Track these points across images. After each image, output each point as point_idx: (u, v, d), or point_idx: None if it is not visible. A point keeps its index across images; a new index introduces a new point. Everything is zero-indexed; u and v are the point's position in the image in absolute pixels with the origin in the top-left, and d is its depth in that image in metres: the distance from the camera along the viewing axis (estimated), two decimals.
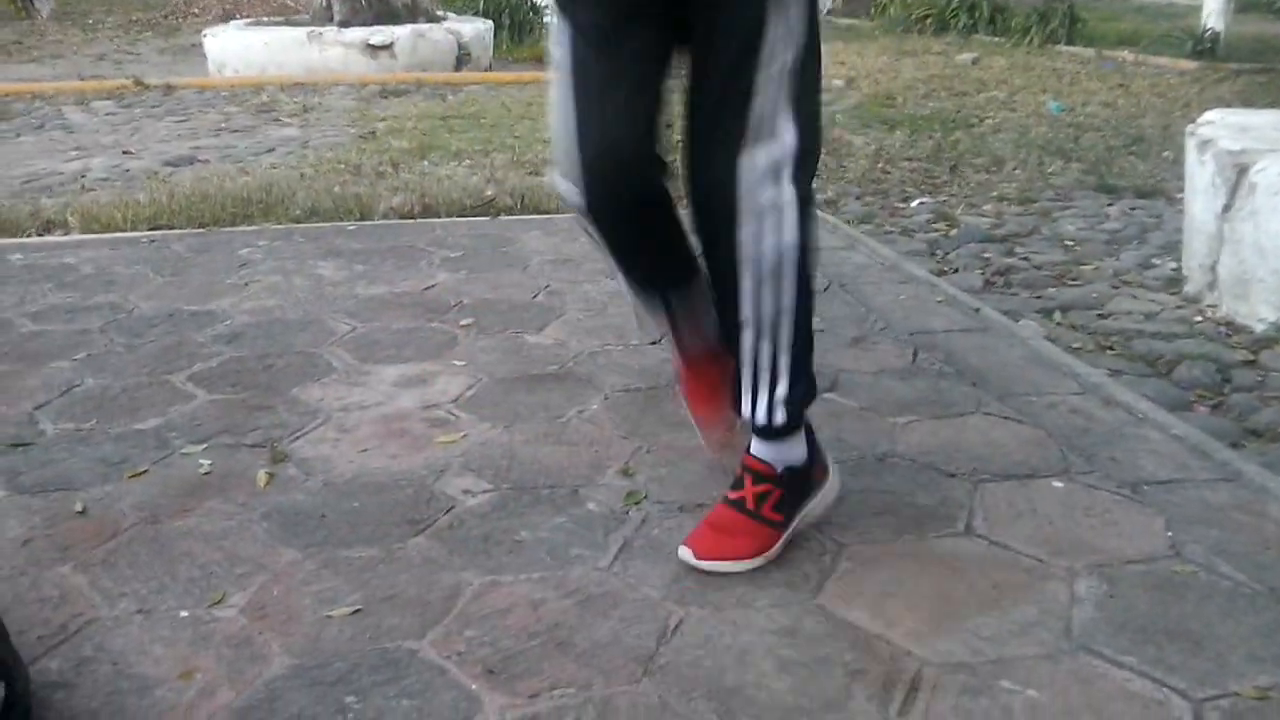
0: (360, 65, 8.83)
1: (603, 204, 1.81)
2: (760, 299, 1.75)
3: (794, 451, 1.86)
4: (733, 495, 1.85)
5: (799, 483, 1.87)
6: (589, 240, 1.96)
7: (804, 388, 1.83)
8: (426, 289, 3.29)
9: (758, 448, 1.86)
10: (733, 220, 1.71)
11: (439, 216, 4.24)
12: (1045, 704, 1.49)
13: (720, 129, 1.73)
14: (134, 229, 4.02)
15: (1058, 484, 2.10)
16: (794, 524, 1.86)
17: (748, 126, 1.70)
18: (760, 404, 1.81)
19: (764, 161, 1.70)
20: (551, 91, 1.80)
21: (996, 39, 11.46)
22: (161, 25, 13.69)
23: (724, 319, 1.87)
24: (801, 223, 1.73)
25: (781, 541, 1.83)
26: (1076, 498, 2.05)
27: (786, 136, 1.70)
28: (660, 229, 1.90)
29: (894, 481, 2.10)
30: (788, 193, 1.71)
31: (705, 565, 1.78)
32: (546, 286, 3.30)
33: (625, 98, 1.76)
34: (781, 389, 1.80)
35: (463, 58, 9.24)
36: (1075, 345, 3.02)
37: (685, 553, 1.79)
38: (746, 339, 1.79)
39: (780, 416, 1.81)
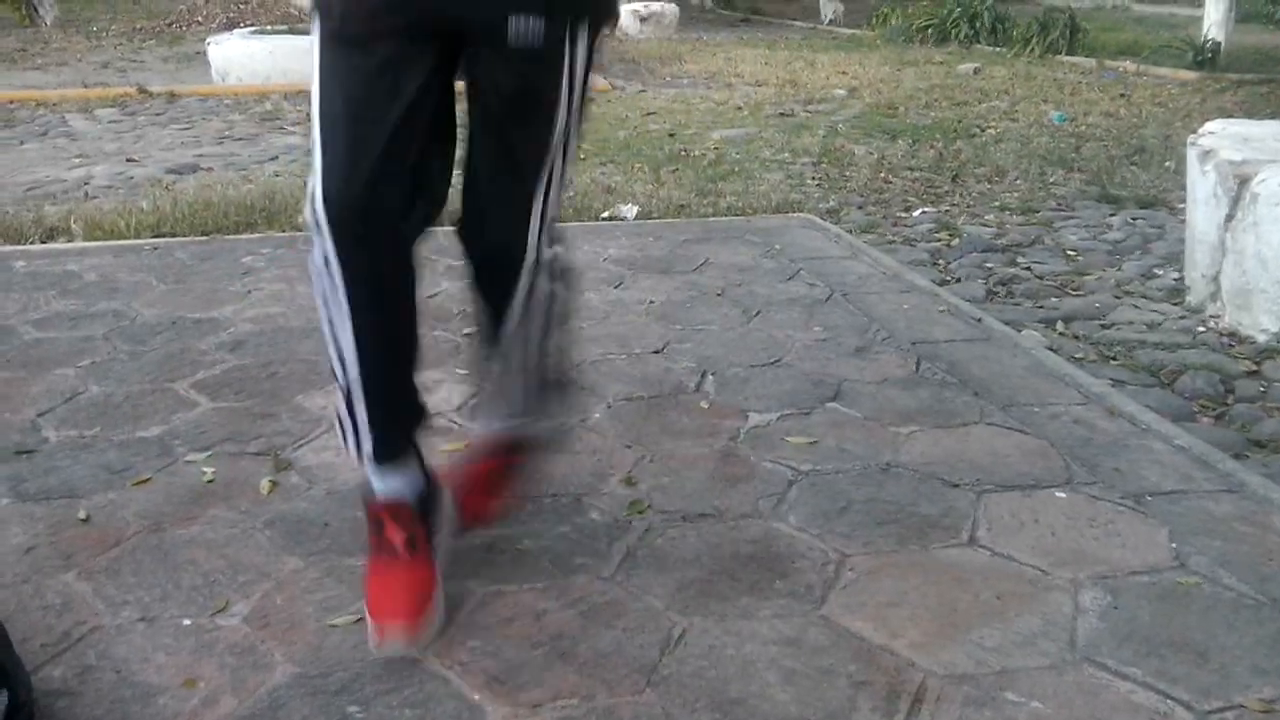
0: None
1: (349, 244, 1.54)
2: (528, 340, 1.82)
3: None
4: (479, 465, 1.96)
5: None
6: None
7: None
8: (430, 297, 3.28)
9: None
10: (512, 281, 1.73)
11: (443, 225, 4.23)
12: (1049, 715, 1.49)
13: (511, 191, 1.69)
14: (137, 236, 4.03)
15: (1061, 495, 2.10)
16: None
17: (535, 194, 1.68)
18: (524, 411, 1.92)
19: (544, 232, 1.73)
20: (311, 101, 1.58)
21: (998, 49, 11.48)
22: (165, 33, 13.70)
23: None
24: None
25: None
26: (1080, 508, 2.05)
27: (553, 209, 1.73)
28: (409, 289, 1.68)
29: (897, 492, 2.10)
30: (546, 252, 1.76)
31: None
32: None
33: (382, 119, 1.51)
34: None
35: None
36: (1078, 355, 3.02)
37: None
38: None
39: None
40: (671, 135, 6.46)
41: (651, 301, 3.22)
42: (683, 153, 5.90)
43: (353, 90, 1.51)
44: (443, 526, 1.79)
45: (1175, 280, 3.71)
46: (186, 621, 1.69)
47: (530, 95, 1.58)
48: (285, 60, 8.84)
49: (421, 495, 1.73)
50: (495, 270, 1.75)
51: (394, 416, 1.71)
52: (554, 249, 1.78)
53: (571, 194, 4.41)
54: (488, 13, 1.50)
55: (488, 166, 1.67)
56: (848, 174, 5.46)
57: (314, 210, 1.52)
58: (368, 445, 1.67)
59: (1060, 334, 3.24)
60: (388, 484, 1.70)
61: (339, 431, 1.70)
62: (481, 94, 1.60)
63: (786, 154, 5.92)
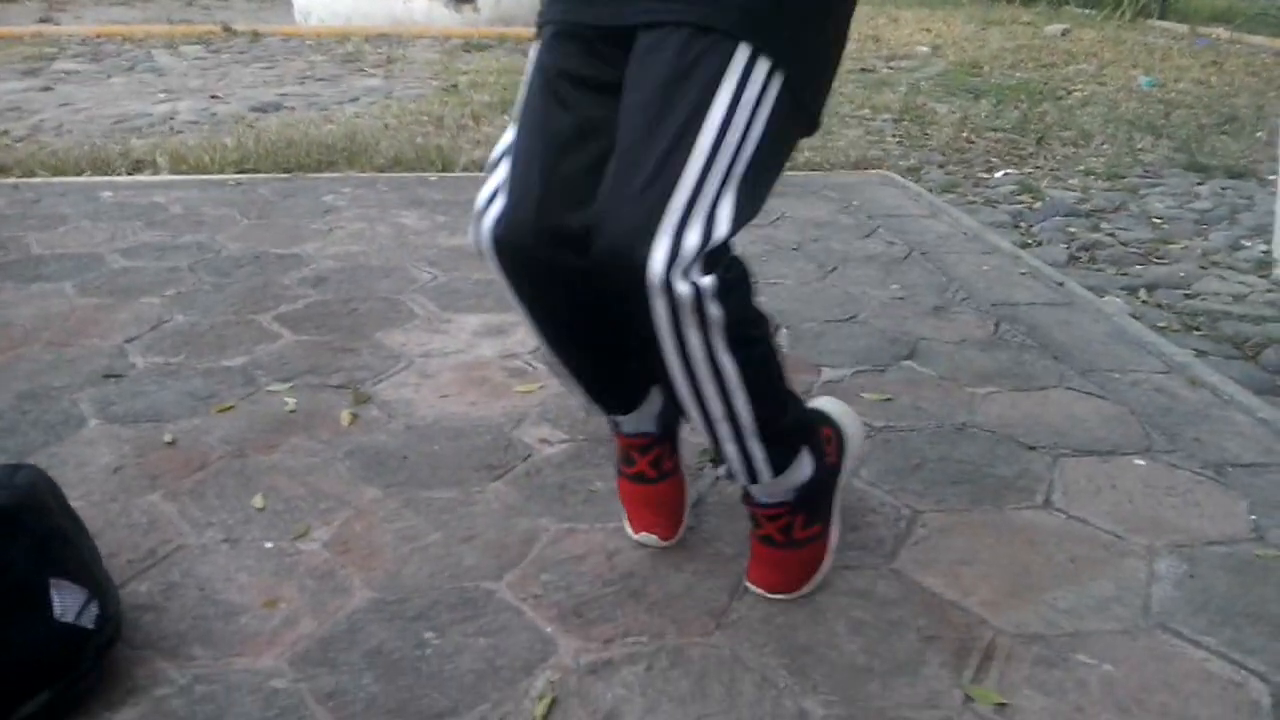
0: (444, 19, 8.85)
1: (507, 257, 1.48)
2: (704, 401, 1.45)
3: (794, 476, 1.59)
4: (759, 532, 1.65)
5: (815, 490, 1.64)
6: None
7: (786, 441, 1.56)
8: None
9: (754, 491, 1.61)
10: (644, 302, 1.34)
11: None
12: (1121, 679, 1.48)
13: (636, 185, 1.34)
14: (221, 171, 4.09)
15: (1139, 462, 2.07)
16: (835, 511, 1.71)
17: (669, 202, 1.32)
18: (741, 476, 1.56)
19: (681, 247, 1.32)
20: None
21: (1087, 11, 11.20)
22: None
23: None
24: (729, 328, 1.37)
25: (834, 538, 1.69)
26: (1158, 476, 2.02)
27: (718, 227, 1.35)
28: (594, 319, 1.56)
29: (972, 452, 2.09)
30: (706, 285, 1.33)
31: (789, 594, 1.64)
32: None
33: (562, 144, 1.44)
34: (760, 459, 1.52)
35: None
36: (1161, 324, 2.97)
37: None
38: (707, 428, 1.49)
39: (767, 475, 1.55)
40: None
41: None
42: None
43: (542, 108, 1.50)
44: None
45: (1263, 252, 3.62)
46: (268, 544, 1.73)
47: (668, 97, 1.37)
48: (367, 4, 8.88)
49: (664, 423, 1.75)
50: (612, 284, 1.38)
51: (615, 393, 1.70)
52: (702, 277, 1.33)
53: None
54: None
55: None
56: (929, 132, 5.38)
57: None
58: (599, 412, 1.73)
59: (1143, 302, 3.18)
60: (628, 424, 1.73)
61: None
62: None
63: (867, 110, 5.85)
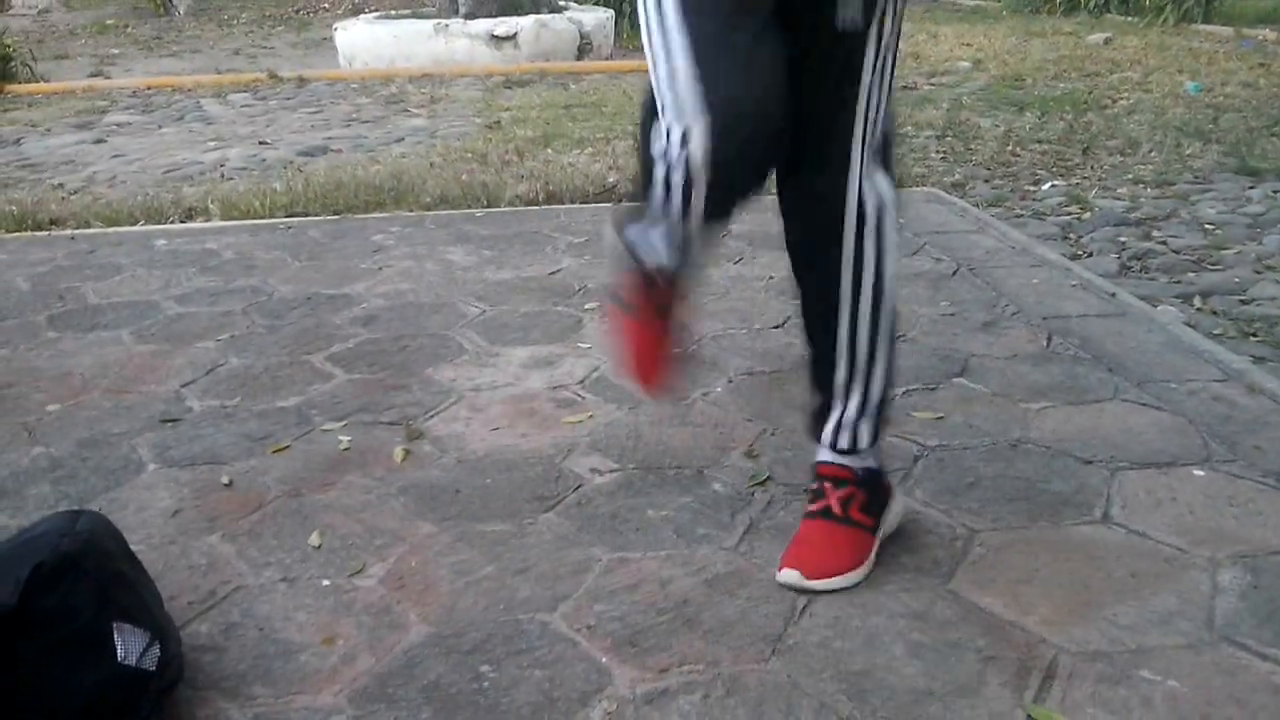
0: (485, 56, 8.95)
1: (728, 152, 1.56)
2: (859, 319, 1.72)
3: (869, 459, 1.81)
4: (815, 507, 1.79)
5: (878, 486, 1.81)
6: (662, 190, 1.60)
7: (888, 406, 1.80)
8: (552, 274, 3.33)
9: (831, 456, 1.80)
10: (839, 229, 1.67)
11: (563, 203, 4.29)
12: (1186, 695, 1.46)
13: (833, 129, 1.64)
14: (272, 216, 4.16)
15: (1199, 472, 2.04)
16: (880, 532, 1.79)
17: (851, 140, 1.64)
18: (845, 431, 1.77)
19: (868, 163, 1.66)
20: (653, 42, 1.55)
21: (1129, 18, 11.10)
22: (293, 20, 14.06)
23: (816, 341, 1.82)
24: (890, 228, 1.71)
25: (876, 547, 1.77)
26: (1219, 487, 1.98)
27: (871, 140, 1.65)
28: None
29: (1027, 468, 2.07)
30: (885, 192, 1.68)
31: (817, 585, 1.68)
32: None
33: (753, 38, 1.56)
34: (872, 410, 1.77)
35: (584, 47, 9.31)
36: (1216, 331, 2.92)
37: (790, 575, 1.70)
38: (842, 367, 1.74)
39: (866, 439, 1.78)
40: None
41: (771, 277, 3.21)
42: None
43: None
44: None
45: None
46: (325, 582, 1.75)
47: (849, 66, 1.60)
48: (409, 45, 9.01)
49: None
50: (816, 224, 1.71)
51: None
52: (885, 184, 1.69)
53: None
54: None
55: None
56: (973, 147, 5.35)
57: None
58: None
59: (1198, 309, 3.14)
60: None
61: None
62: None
63: (909, 127, 5.82)
